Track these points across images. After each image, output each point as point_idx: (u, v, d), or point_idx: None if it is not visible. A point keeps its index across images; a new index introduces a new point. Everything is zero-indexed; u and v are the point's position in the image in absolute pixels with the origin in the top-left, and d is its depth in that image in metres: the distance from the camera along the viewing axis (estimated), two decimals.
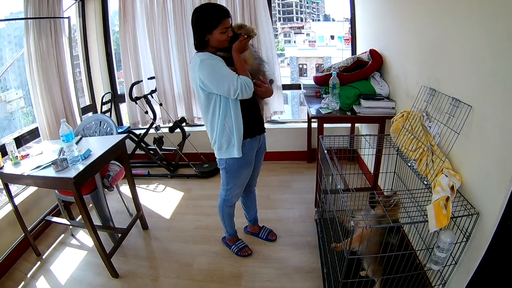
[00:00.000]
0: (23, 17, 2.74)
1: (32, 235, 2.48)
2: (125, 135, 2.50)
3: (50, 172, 1.99)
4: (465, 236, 1.43)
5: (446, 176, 1.47)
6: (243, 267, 2.27)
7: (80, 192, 2.00)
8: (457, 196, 1.47)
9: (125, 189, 3.02)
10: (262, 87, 1.93)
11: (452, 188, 1.41)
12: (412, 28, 2.16)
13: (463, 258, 1.51)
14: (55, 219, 2.64)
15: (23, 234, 2.45)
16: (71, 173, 1.94)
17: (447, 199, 1.36)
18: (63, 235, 2.74)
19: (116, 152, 2.40)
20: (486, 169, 1.38)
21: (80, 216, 2.92)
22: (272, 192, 3.20)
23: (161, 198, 3.26)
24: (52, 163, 2.00)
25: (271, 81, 2.09)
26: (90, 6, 3.67)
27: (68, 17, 3.09)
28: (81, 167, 2.00)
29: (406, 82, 2.30)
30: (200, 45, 1.86)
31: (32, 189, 2.73)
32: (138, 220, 2.69)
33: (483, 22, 1.36)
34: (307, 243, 2.44)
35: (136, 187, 2.68)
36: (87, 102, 3.81)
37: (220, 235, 2.56)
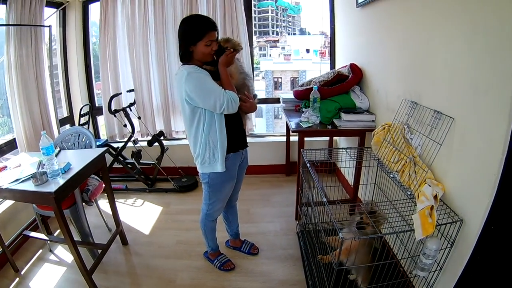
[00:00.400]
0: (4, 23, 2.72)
1: (9, 250, 2.41)
2: (105, 148, 2.48)
3: (29, 186, 1.94)
4: (450, 242, 1.53)
5: (429, 186, 1.57)
6: (226, 281, 2.28)
7: (61, 207, 1.97)
8: (440, 204, 1.57)
9: (102, 203, 2.98)
10: (247, 102, 1.96)
11: (435, 197, 1.51)
12: (393, 43, 2.28)
13: (448, 264, 1.60)
14: (33, 234, 2.58)
15: (1, 249, 2.38)
16: (52, 187, 1.90)
17: (431, 208, 1.45)
18: (41, 251, 2.68)
19: (96, 166, 2.37)
20: (468, 177, 1.48)
21: (59, 231, 2.87)
22: (252, 206, 3.24)
23: (139, 213, 3.23)
24: (31, 177, 1.96)
25: (255, 96, 2.12)
26: (71, 15, 3.67)
27: (49, 26, 3.08)
28: (61, 181, 1.97)
29: (387, 95, 2.42)
30: (185, 56, 1.89)
31: (8, 202, 2.66)
32: (118, 235, 2.66)
33: (464, 38, 1.48)
34: (289, 256, 2.49)
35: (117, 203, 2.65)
36: (65, 113, 3.76)
37: (201, 250, 2.56)
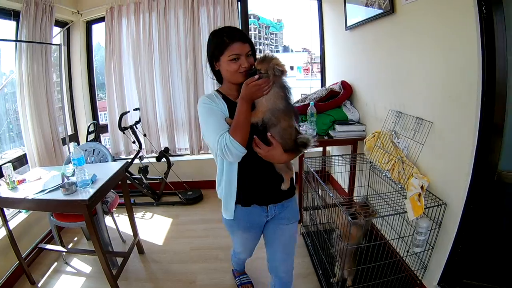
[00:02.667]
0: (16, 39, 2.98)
1: (25, 262, 2.59)
2: (124, 162, 2.78)
3: (57, 196, 2.18)
4: (437, 224, 1.97)
5: (416, 178, 2.02)
6: None
7: (92, 214, 2.22)
8: (426, 193, 2.01)
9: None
10: (262, 148, 1.52)
11: (422, 187, 1.96)
12: (379, 62, 2.74)
13: (438, 242, 2.03)
14: (49, 246, 2.78)
15: (17, 262, 2.56)
16: (84, 195, 2.16)
17: (419, 195, 1.90)
18: (56, 263, 2.87)
19: (118, 179, 2.66)
20: (448, 168, 1.93)
21: (71, 244, 3.10)
22: None
23: (150, 225, 3.52)
24: (60, 187, 2.21)
25: (302, 143, 1.59)
26: (76, 35, 4.01)
27: (60, 44, 3.38)
28: (91, 190, 2.23)
29: (375, 107, 2.87)
30: (216, 77, 1.69)
31: (21, 217, 2.85)
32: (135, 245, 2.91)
33: (438, 57, 1.95)
34: (298, 254, 2.78)
35: (125, 215, 2.91)
36: (69, 131, 4.02)
37: (216, 254, 2.89)
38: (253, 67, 1.51)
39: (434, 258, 2.08)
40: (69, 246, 3.06)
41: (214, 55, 1.57)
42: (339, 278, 2.28)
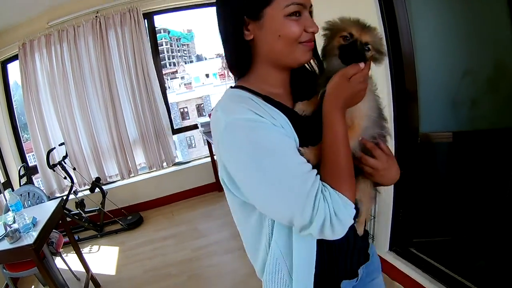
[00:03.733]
0: None
1: None
2: (59, 199, 2.86)
3: (4, 246, 2.21)
4: None
5: None
6: None
7: (40, 257, 2.28)
8: None
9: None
10: (380, 159, 0.87)
11: None
12: None
13: (379, 211, 2.27)
14: None
15: None
16: (28, 240, 2.21)
17: None
18: None
19: (57, 217, 2.71)
20: None
21: None
22: (198, 223, 3.82)
23: (99, 257, 3.55)
24: (5, 236, 2.24)
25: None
26: None
27: None
28: (35, 233, 2.28)
29: None
30: (236, 57, 0.87)
31: None
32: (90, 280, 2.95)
33: None
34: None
35: (73, 253, 2.97)
36: (1, 179, 3.86)
37: (168, 271, 3.04)
38: (350, 37, 0.79)
39: (379, 227, 2.31)
40: None
41: (248, 7, 0.79)
42: None
